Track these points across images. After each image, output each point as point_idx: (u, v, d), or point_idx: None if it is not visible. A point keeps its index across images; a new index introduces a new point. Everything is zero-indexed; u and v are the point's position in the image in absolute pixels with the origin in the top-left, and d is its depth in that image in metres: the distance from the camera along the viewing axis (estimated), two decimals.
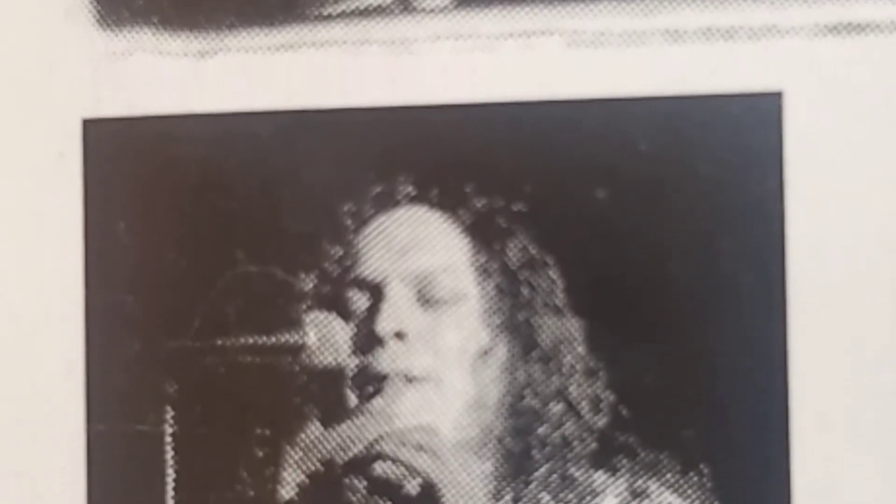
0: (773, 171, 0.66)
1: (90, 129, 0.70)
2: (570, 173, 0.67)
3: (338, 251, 0.69)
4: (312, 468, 0.68)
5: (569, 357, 0.68)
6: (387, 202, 0.69)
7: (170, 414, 0.69)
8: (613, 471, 0.67)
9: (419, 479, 0.67)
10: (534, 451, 0.68)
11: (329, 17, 0.69)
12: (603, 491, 0.67)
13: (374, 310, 0.68)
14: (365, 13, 0.69)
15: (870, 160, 0.66)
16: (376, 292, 0.68)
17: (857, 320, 0.66)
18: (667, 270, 0.67)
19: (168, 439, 0.69)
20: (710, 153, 0.67)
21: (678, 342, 0.67)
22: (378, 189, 0.69)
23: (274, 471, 0.69)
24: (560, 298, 0.68)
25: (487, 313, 0.68)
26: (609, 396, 0.67)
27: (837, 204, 0.66)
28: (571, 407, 0.68)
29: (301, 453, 0.68)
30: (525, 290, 0.68)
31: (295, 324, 0.69)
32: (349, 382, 0.68)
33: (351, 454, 0.68)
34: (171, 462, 0.69)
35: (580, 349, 0.67)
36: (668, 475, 0.67)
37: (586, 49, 0.68)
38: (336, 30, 0.69)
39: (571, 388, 0.68)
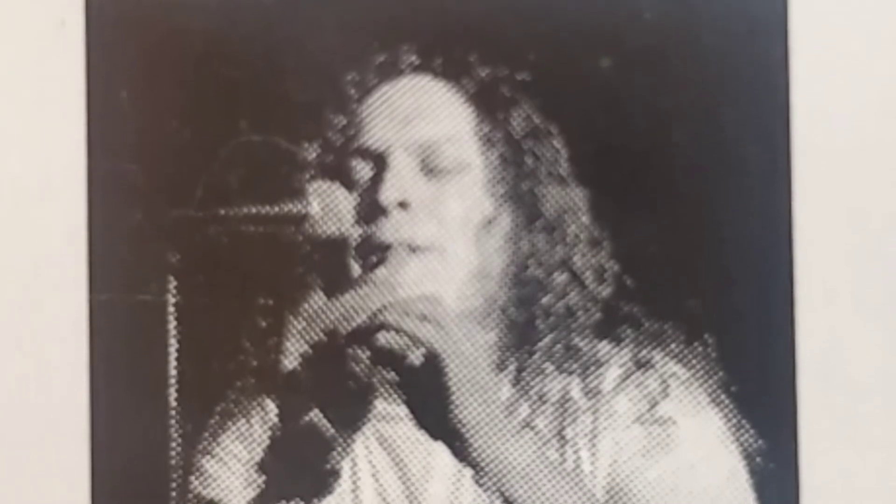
0: (778, 39, 0.66)
1: None
2: (574, 42, 0.67)
3: (341, 120, 0.68)
4: (315, 338, 0.68)
5: (573, 227, 0.67)
6: (390, 71, 0.68)
7: (172, 284, 0.69)
8: (617, 341, 0.67)
9: (423, 350, 0.67)
10: (538, 322, 0.67)
11: None
12: (607, 361, 0.67)
13: (377, 179, 0.68)
14: None
15: (874, 29, 0.66)
16: (380, 162, 0.68)
17: (862, 189, 0.66)
18: (671, 139, 0.67)
19: (171, 309, 0.69)
20: (715, 22, 0.66)
21: (683, 212, 0.66)
22: (381, 58, 0.68)
23: (277, 341, 0.68)
24: (564, 168, 0.67)
25: (491, 183, 0.68)
26: (613, 266, 0.67)
27: (842, 72, 0.66)
28: (575, 277, 0.67)
29: (304, 323, 0.68)
30: (529, 160, 0.68)
31: (298, 193, 0.68)
32: (352, 252, 0.68)
33: (354, 324, 0.67)
34: (173, 332, 0.68)
35: (584, 219, 0.67)
36: (673, 345, 0.67)
37: None
38: None
39: (575, 258, 0.67)
